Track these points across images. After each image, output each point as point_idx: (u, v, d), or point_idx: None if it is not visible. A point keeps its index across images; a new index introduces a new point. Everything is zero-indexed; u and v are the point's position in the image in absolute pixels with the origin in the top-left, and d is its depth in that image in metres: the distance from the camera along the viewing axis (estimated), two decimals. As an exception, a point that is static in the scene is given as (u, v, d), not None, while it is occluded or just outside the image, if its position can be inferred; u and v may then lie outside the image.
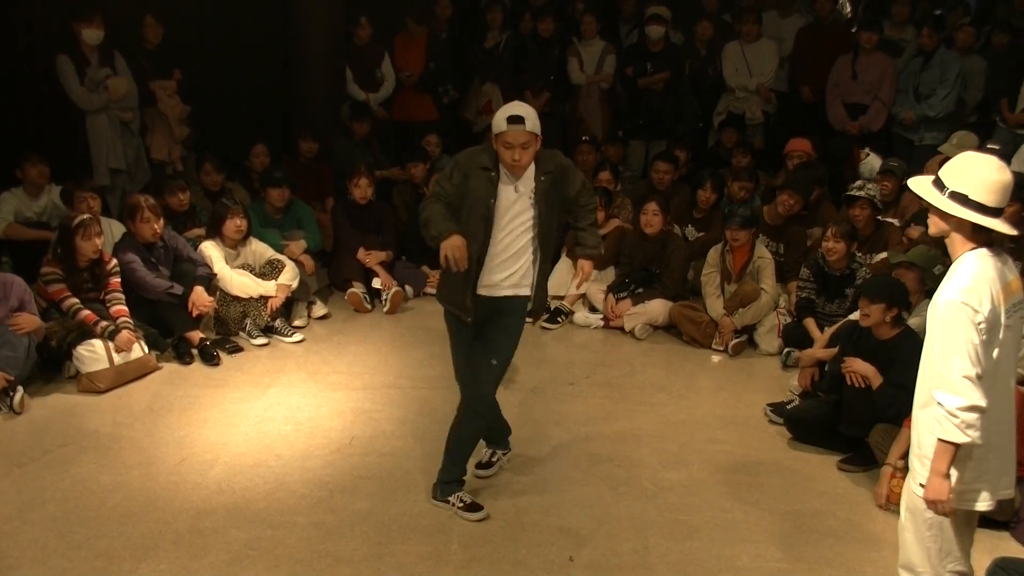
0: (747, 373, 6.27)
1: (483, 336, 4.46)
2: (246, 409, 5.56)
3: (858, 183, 6.88)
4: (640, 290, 6.94)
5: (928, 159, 7.53)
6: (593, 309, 7.16)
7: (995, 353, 3.03)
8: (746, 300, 6.50)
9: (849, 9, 10.34)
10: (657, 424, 5.44)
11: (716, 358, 6.51)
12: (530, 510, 4.50)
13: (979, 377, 2.95)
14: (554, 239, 4.61)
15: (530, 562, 4.11)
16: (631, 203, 7.86)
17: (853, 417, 4.93)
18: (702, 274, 6.83)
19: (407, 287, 7.53)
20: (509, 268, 4.37)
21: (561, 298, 7.21)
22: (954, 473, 3.06)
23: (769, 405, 5.53)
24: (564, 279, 7.28)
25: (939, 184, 3.07)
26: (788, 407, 5.40)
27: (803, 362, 5.60)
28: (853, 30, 9.10)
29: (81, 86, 7.74)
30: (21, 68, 7.92)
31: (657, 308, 6.86)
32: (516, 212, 4.32)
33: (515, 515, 4.46)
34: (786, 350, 6.31)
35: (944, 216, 3.07)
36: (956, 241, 3.10)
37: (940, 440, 3.01)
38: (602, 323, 7.00)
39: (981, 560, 4.03)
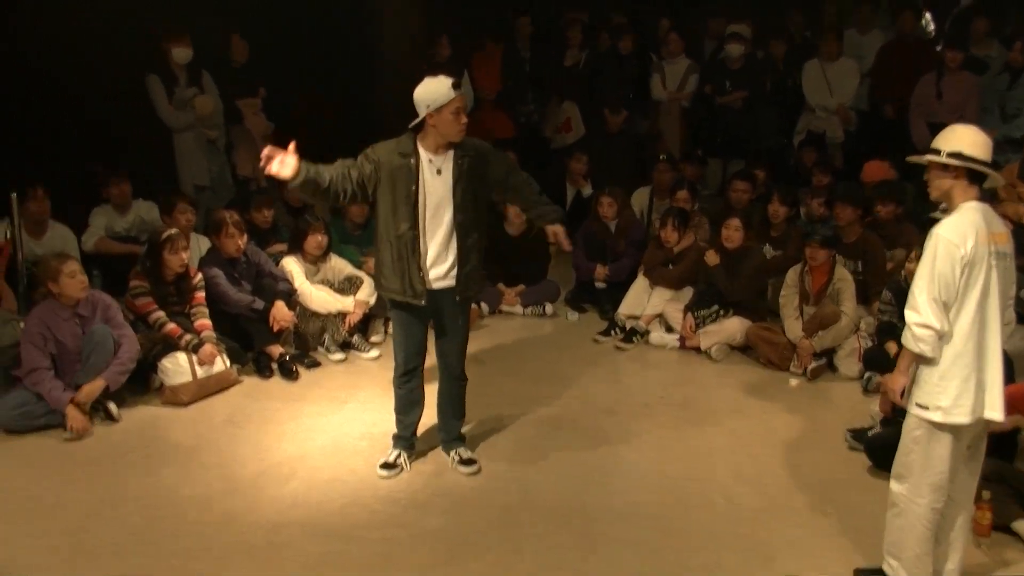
0: (826, 398, 6.17)
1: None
2: (323, 424, 5.65)
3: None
4: (716, 306, 6.86)
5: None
6: (669, 329, 7.11)
7: (979, 287, 3.55)
8: (825, 322, 6.40)
9: (933, 27, 10.14)
10: (732, 444, 5.38)
11: (794, 381, 6.40)
12: (599, 521, 4.51)
13: (945, 304, 3.54)
14: (483, 224, 4.84)
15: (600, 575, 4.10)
16: (708, 222, 7.81)
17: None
18: (780, 295, 6.74)
19: (482, 304, 7.57)
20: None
21: (636, 317, 7.19)
22: (945, 393, 3.59)
23: (849, 431, 5.41)
24: (640, 298, 7.25)
25: (935, 152, 3.69)
26: (869, 433, 5.29)
27: (884, 387, 5.49)
28: (938, 48, 8.92)
29: (169, 105, 7.96)
30: (111, 87, 8.16)
31: (734, 326, 6.79)
32: (440, 198, 4.61)
33: (584, 526, 4.48)
34: (867, 375, 6.18)
35: (945, 173, 3.67)
36: (956, 193, 3.68)
37: (904, 346, 3.67)
38: (678, 343, 6.94)
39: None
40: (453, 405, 5.10)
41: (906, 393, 3.79)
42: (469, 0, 10.50)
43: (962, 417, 3.59)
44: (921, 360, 3.64)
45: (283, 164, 4.47)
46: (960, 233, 3.55)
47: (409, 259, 4.66)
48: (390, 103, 9.32)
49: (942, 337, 3.57)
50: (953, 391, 3.58)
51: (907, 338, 3.63)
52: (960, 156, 3.63)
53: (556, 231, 5.02)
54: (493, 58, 9.68)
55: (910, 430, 3.75)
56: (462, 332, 4.97)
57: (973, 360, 3.59)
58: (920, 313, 3.55)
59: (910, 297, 3.62)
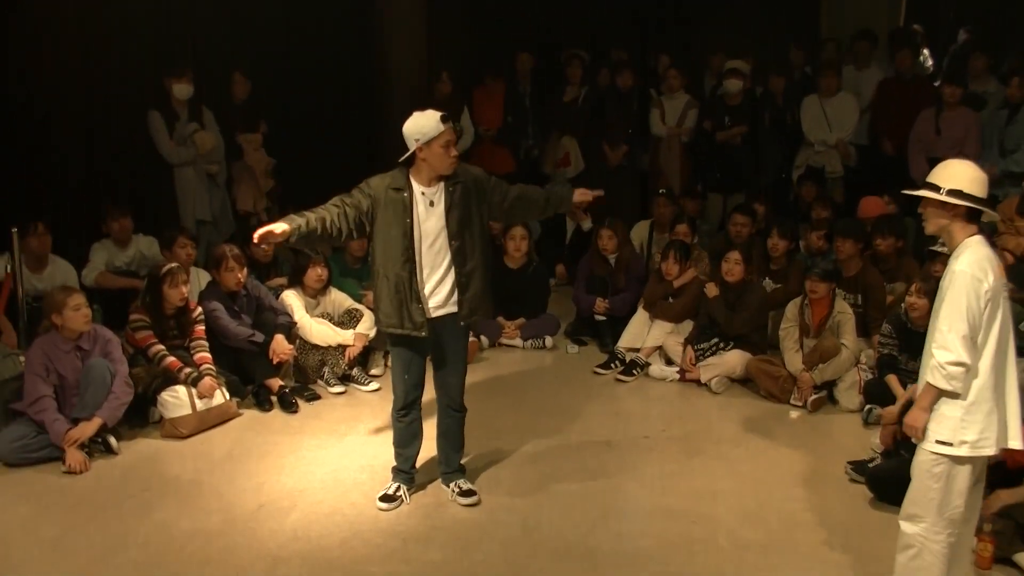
0: (826, 430, 6.15)
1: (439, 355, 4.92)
2: (323, 456, 5.63)
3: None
4: (716, 339, 6.86)
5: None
6: (669, 362, 7.10)
7: (999, 319, 3.58)
8: (826, 355, 6.39)
9: (931, 63, 10.21)
10: (734, 480, 5.36)
11: (794, 414, 6.39)
12: (605, 565, 4.46)
13: (972, 339, 3.53)
14: (484, 250, 4.86)
15: (604, 618, 4.07)
16: (708, 256, 7.83)
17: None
18: (780, 328, 6.74)
19: (482, 337, 7.56)
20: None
21: (637, 350, 7.18)
22: (971, 427, 3.59)
23: (850, 463, 5.40)
24: (640, 331, 7.26)
25: (933, 187, 3.67)
26: (870, 465, 5.28)
27: (885, 420, 5.47)
28: (936, 83, 8.97)
29: (170, 140, 8.01)
30: (112, 122, 8.22)
31: (734, 359, 6.79)
32: (436, 229, 4.64)
33: (589, 570, 4.42)
34: (867, 407, 6.17)
35: (943, 210, 3.66)
36: (955, 230, 3.69)
37: (928, 383, 3.63)
38: (678, 376, 6.94)
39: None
40: (452, 437, 5.09)
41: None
42: (470, 36, 10.62)
43: (989, 449, 3.60)
44: (945, 396, 3.61)
45: (273, 235, 4.53)
46: (981, 267, 3.56)
47: (407, 292, 4.67)
48: (393, 139, 9.39)
49: (967, 371, 3.57)
50: (979, 424, 3.58)
51: (936, 376, 3.59)
52: (960, 194, 3.62)
53: (581, 196, 5.10)
54: (493, 93, 9.75)
55: (928, 467, 3.69)
56: (461, 362, 4.97)
57: (993, 392, 3.59)
58: (951, 351, 3.53)
59: (938, 335, 3.58)
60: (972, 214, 3.65)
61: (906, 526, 3.77)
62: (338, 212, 4.64)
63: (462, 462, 5.19)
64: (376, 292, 4.85)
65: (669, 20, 11.45)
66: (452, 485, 5.06)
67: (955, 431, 3.59)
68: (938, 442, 3.63)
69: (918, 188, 3.81)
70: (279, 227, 4.51)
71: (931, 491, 3.67)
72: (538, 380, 7.05)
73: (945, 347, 3.54)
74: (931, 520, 3.68)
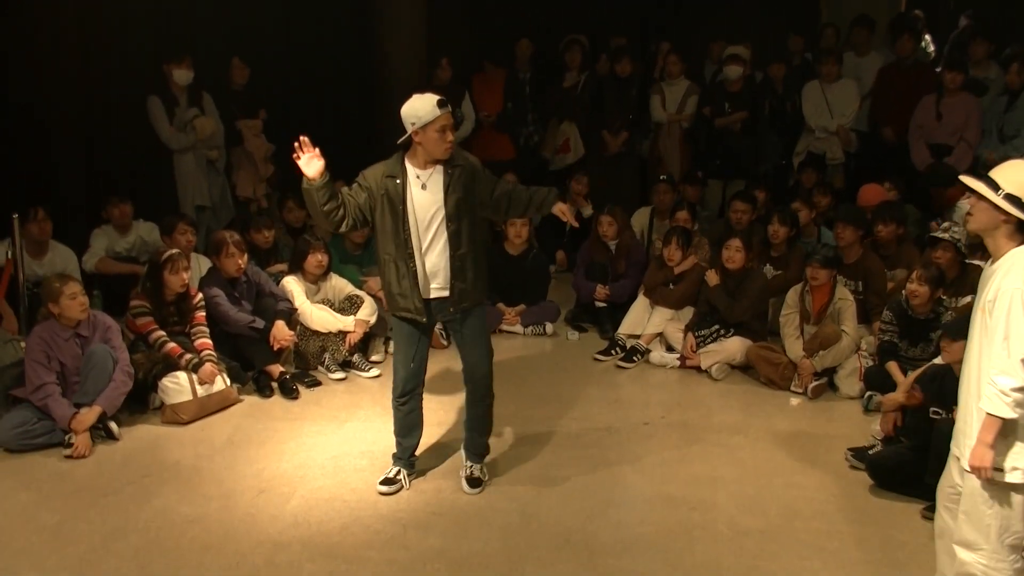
0: (827, 417, 6.15)
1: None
2: (323, 443, 5.63)
3: (944, 224, 6.74)
4: (716, 326, 6.86)
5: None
6: (670, 348, 7.10)
7: None
8: (826, 342, 6.39)
9: (933, 49, 10.18)
10: (734, 467, 5.36)
11: (795, 401, 6.40)
12: (604, 553, 4.46)
13: None
14: (478, 236, 4.85)
15: (604, 605, 4.07)
16: (708, 243, 7.82)
17: (941, 466, 4.78)
18: (781, 315, 6.74)
19: (483, 324, 7.55)
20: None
21: (637, 337, 7.18)
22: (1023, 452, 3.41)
23: (850, 450, 5.41)
24: (640, 318, 7.25)
25: (992, 185, 3.42)
26: (870, 452, 5.28)
27: (886, 407, 5.47)
28: (937, 70, 8.96)
29: (170, 126, 8.00)
30: (113, 108, 8.21)
31: (734, 346, 6.79)
32: (431, 212, 4.63)
33: (588, 557, 4.42)
34: (868, 394, 6.17)
35: (994, 213, 3.41)
36: (1001, 238, 3.44)
37: (989, 415, 3.37)
38: (678, 363, 6.94)
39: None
40: (477, 423, 5.08)
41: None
42: (470, 23, 10.59)
43: None
44: (1007, 424, 3.41)
45: (311, 160, 4.51)
46: None
47: (409, 276, 4.68)
48: (392, 125, 9.38)
49: None
50: None
51: (998, 405, 3.35)
52: (1018, 202, 3.38)
53: (562, 210, 4.97)
54: (493, 80, 9.73)
55: (979, 493, 3.51)
56: (480, 346, 4.94)
57: None
58: (1015, 377, 3.31)
59: (1000, 361, 3.35)
60: (1023, 225, 3.42)
61: (962, 553, 3.60)
62: (345, 200, 4.67)
63: (488, 442, 5.19)
64: (384, 278, 4.85)
65: (669, 6, 11.42)
66: (468, 464, 5.08)
67: (1005, 457, 3.43)
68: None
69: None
70: (321, 160, 4.54)
71: (986, 517, 3.51)
72: (538, 367, 7.04)
73: (1008, 373, 3.33)
74: (990, 548, 3.51)
